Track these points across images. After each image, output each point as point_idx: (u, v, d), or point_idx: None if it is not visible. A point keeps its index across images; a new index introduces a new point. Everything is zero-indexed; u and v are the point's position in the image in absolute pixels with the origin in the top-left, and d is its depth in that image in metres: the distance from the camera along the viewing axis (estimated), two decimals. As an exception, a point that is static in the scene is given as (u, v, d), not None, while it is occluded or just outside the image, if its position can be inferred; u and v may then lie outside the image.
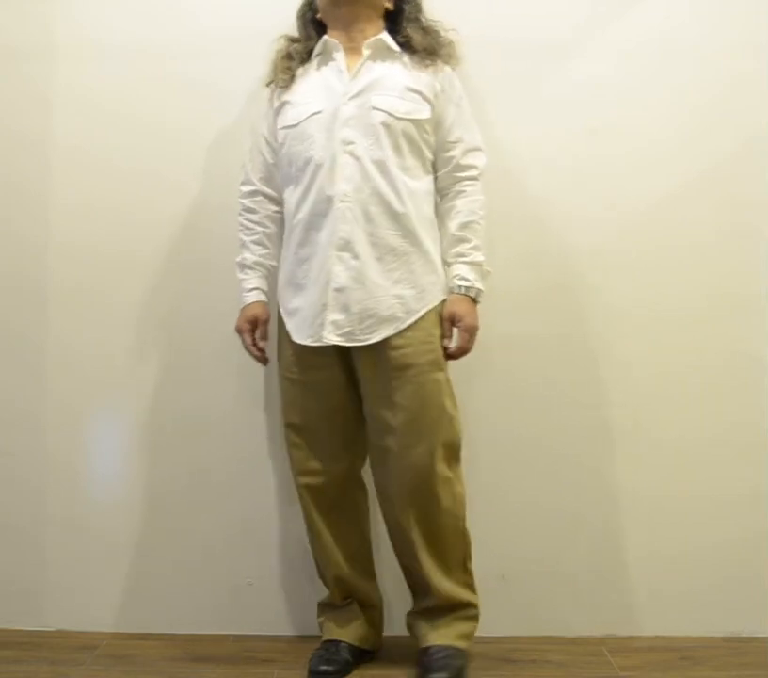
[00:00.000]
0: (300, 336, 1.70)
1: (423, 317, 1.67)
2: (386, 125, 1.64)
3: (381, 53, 1.71)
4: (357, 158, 1.64)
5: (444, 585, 1.72)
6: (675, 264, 1.97)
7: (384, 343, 1.65)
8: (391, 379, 1.66)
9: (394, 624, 1.87)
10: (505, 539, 1.98)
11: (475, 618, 1.78)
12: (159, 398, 1.98)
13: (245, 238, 1.81)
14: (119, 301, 1.97)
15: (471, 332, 1.70)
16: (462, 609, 1.75)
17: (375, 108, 1.65)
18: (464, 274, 1.70)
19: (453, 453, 1.71)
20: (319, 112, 1.67)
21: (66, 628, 1.98)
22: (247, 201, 1.82)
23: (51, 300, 1.97)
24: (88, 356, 1.97)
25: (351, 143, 1.64)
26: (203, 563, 1.98)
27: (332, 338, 1.65)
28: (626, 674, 1.79)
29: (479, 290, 1.71)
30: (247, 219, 1.82)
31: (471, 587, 1.78)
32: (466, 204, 1.72)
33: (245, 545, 1.99)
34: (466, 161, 1.73)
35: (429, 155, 1.72)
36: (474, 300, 1.71)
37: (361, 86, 1.67)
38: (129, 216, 1.95)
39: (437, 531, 1.71)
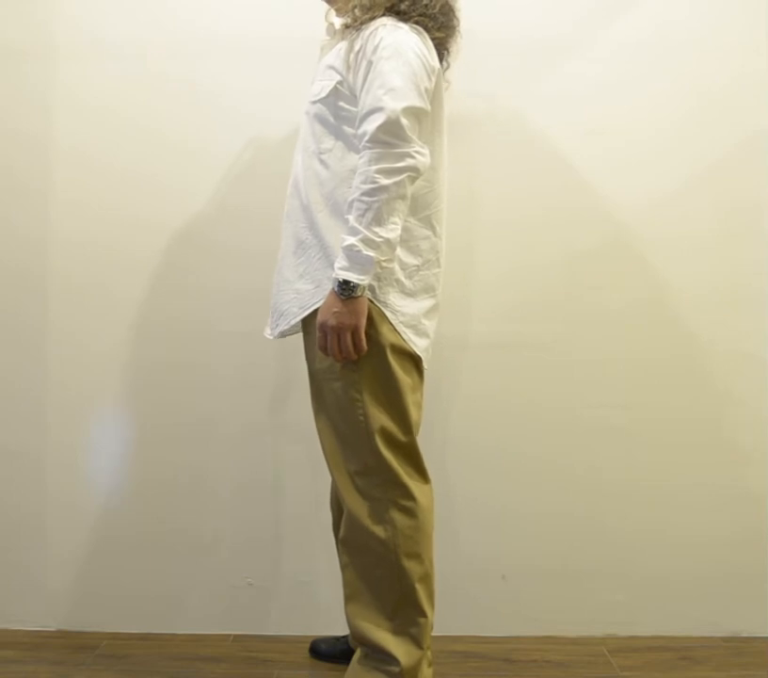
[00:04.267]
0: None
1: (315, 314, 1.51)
2: (307, 113, 1.57)
3: (336, 37, 1.57)
4: (300, 153, 1.60)
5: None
6: (675, 263, 1.97)
7: (304, 344, 1.62)
8: (309, 384, 1.63)
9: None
10: (505, 539, 1.98)
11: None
12: (160, 397, 1.98)
13: None
14: (120, 299, 1.96)
15: (321, 329, 1.46)
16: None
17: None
18: (337, 262, 1.44)
19: (366, 477, 1.54)
20: None
21: (66, 628, 1.98)
22: None
23: (52, 299, 1.97)
24: (88, 354, 1.97)
25: (301, 140, 1.61)
26: (203, 563, 1.98)
27: (266, 330, 1.66)
28: (626, 674, 1.80)
29: (338, 280, 1.41)
30: None
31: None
32: (355, 180, 1.43)
33: (245, 545, 1.99)
34: (361, 129, 1.43)
35: (352, 130, 1.50)
36: (340, 292, 1.42)
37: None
38: (130, 215, 1.95)
39: None
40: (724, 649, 1.92)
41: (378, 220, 1.39)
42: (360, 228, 1.39)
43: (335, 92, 1.51)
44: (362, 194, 1.39)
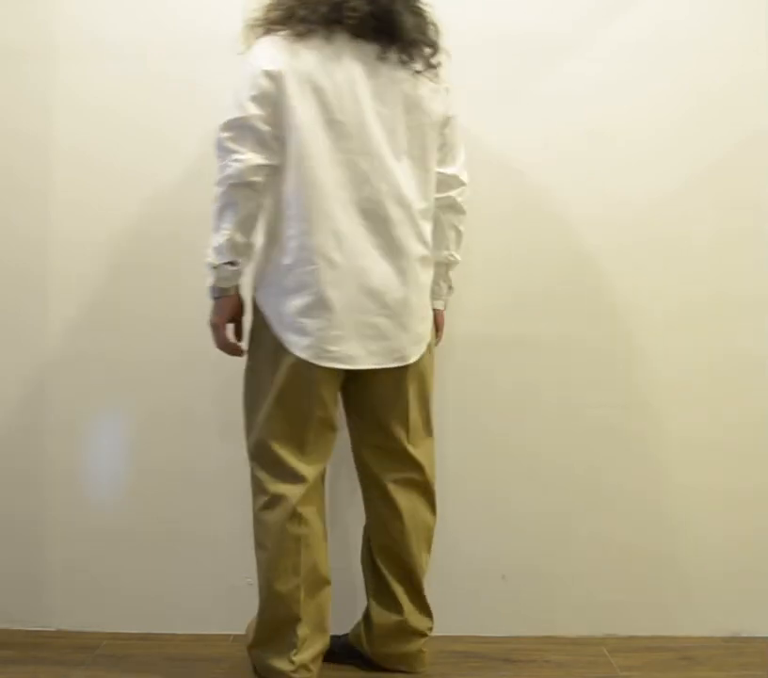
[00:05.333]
0: None
1: None
2: None
3: None
4: None
5: None
6: (674, 263, 1.97)
7: None
8: None
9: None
10: (505, 539, 1.98)
11: None
12: (160, 397, 1.97)
13: None
14: (120, 299, 1.96)
15: None
16: None
17: None
18: None
19: (251, 454, 1.70)
20: None
21: (66, 628, 1.98)
22: None
23: (52, 299, 1.97)
24: (88, 354, 1.97)
25: None
26: (203, 563, 1.98)
27: None
28: (626, 674, 1.79)
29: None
30: None
31: None
32: None
33: (245, 545, 1.98)
34: None
35: None
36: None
37: None
38: (130, 214, 1.94)
39: None
40: (724, 649, 1.92)
41: (214, 228, 1.54)
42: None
43: None
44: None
